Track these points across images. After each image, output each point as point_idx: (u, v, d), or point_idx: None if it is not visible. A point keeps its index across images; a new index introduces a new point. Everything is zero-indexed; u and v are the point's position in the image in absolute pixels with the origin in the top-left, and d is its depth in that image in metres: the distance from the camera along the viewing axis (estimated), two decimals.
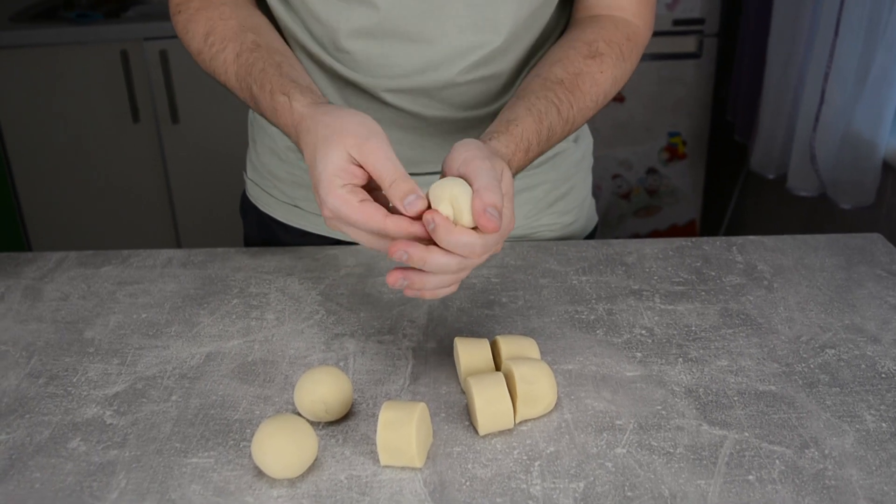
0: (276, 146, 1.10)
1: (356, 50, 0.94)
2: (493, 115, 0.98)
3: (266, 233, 1.16)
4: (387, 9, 0.91)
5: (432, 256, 0.70)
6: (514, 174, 0.81)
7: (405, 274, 0.72)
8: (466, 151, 0.73)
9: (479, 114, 0.99)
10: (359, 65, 0.96)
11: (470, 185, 0.70)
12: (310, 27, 0.96)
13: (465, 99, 0.98)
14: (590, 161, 1.19)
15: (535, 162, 1.08)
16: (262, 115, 0.88)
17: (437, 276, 0.72)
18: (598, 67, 0.91)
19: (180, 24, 0.97)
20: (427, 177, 1.04)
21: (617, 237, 2.87)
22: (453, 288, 0.74)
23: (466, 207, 0.69)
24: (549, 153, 1.09)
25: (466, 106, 0.99)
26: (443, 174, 0.75)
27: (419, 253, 0.69)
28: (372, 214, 0.71)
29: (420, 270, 0.71)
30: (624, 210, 2.88)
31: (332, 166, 0.72)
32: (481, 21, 0.93)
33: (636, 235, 2.93)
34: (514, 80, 1.00)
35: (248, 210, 1.19)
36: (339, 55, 0.96)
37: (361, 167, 0.73)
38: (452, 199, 0.70)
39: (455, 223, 0.70)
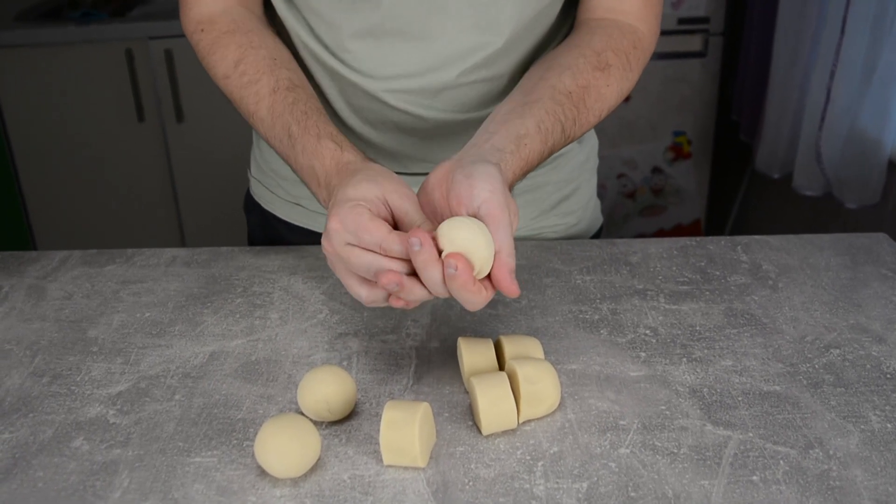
0: None
1: (358, 50, 0.94)
2: None
3: (269, 231, 1.16)
4: (389, 8, 0.91)
5: (432, 271, 0.68)
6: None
7: (400, 280, 0.69)
8: (487, 190, 0.71)
9: (480, 115, 0.99)
10: (361, 65, 0.96)
11: (494, 234, 0.69)
12: (313, 27, 0.96)
13: (466, 100, 0.98)
14: (595, 162, 1.19)
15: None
16: (285, 152, 0.87)
17: (423, 291, 0.71)
18: (605, 81, 0.90)
19: (204, 43, 0.96)
20: (425, 177, 1.04)
21: (622, 236, 2.87)
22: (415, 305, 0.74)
23: (479, 256, 0.68)
24: (554, 154, 1.08)
25: (467, 107, 0.99)
26: (453, 193, 0.73)
27: (409, 285, 0.69)
28: (378, 226, 0.70)
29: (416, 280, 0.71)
30: (629, 209, 2.87)
31: (362, 192, 0.73)
32: (483, 23, 0.92)
33: (641, 235, 2.92)
34: (515, 83, 0.99)
35: (252, 208, 1.20)
36: (342, 55, 0.96)
37: (387, 210, 0.73)
38: (467, 242, 0.68)
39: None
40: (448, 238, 0.68)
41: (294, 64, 0.95)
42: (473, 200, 0.71)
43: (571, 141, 0.89)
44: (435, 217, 0.76)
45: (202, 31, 0.97)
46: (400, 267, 0.70)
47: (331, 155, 0.82)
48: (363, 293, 0.72)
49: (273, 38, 0.97)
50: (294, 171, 0.87)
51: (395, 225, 0.74)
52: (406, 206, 0.73)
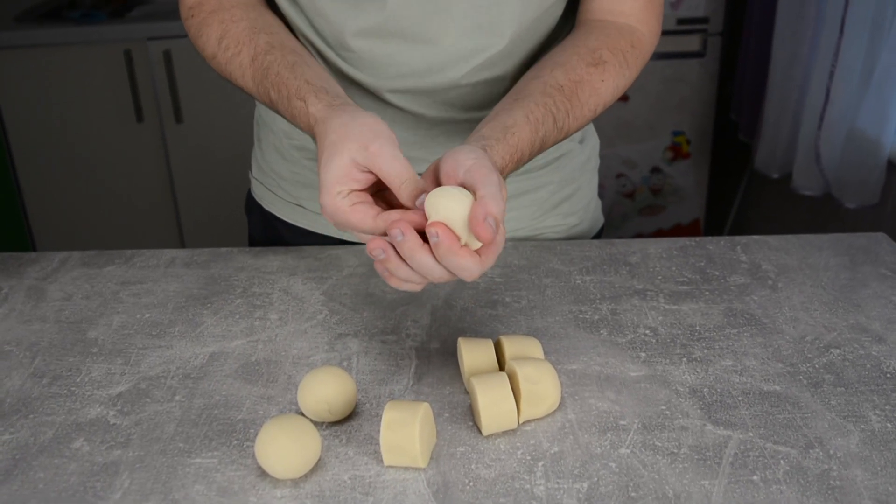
0: (281, 145, 1.10)
1: (361, 49, 0.94)
2: None
3: (270, 232, 1.16)
4: (393, 8, 0.91)
5: (420, 256, 0.68)
6: None
7: (387, 248, 0.69)
8: (470, 158, 0.71)
9: (482, 115, 0.99)
10: (363, 64, 0.96)
11: (474, 191, 0.69)
12: (316, 25, 0.96)
13: (468, 101, 0.98)
14: (595, 162, 1.19)
15: (540, 163, 1.08)
16: (284, 118, 0.89)
17: (412, 272, 0.70)
18: (600, 76, 0.90)
19: (193, 28, 0.97)
20: None
21: (621, 236, 2.87)
22: (419, 287, 0.73)
23: (462, 222, 0.67)
24: (554, 154, 1.09)
25: (470, 107, 0.99)
26: (438, 176, 0.74)
27: (395, 260, 0.70)
28: (362, 218, 0.72)
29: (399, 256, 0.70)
30: (628, 209, 2.87)
31: (332, 174, 0.73)
32: (485, 24, 0.92)
33: (640, 235, 2.92)
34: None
35: (253, 209, 1.20)
36: (345, 54, 0.96)
37: (369, 171, 0.73)
38: (449, 211, 0.67)
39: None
40: (433, 208, 0.68)
41: (277, 25, 0.94)
42: (458, 170, 0.71)
43: (567, 134, 0.89)
44: None
45: (192, 16, 0.97)
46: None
47: (301, 115, 0.83)
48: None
49: (257, 9, 0.96)
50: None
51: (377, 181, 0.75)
52: (376, 160, 0.72)
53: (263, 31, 0.92)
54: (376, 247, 0.69)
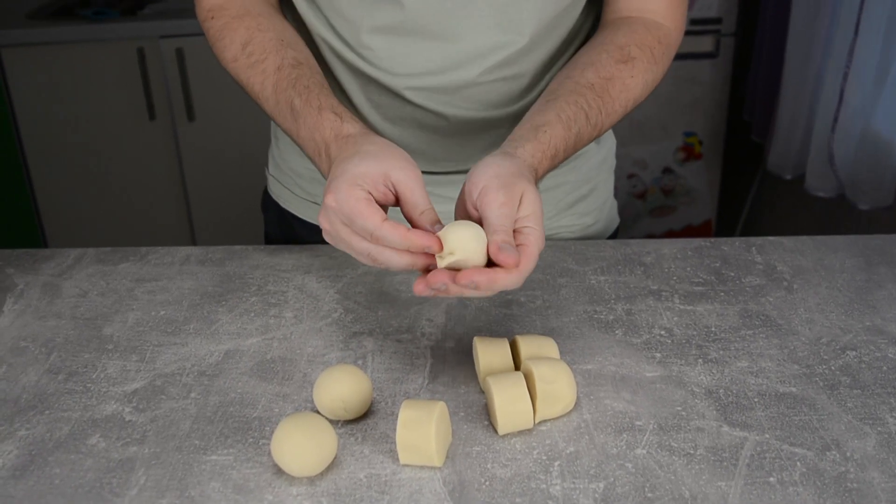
0: None
1: (379, 47, 0.94)
2: (516, 115, 0.98)
3: (286, 229, 1.16)
4: (412, 7, 0.91)
5: (468, 292, 0.71)
6: (541, 179, 0.81)
7: (447, 280, 0.70)
8: (484, 178, 0.73)
9: (501, 113, 0.99)
10: (381, 61, 0.96)
11: (483, 219, 0.72)
12: (332, 22, 0.96)
13: (487, 98, 0.98)
14: (612, 163, 1.19)
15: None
16: (290, 127, 0.88)
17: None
18: (630, 72, 0.91)
19: (214, 29, 0.97)
20: (447, 175, 1.04)
21: (632, 237, 2.86)
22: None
23: (460, 245, 0.70)
24: (579, 149, 1.09)
25: (488, 105, 0.99)
26: (466, 194, 0.76)
27: (457, 289, 0.70)
28: (372, 212, 0.71)
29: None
30: (639, 210, 2.87)
31: (361, 170, 0.73)
32: (505, 21, 0.92)
33: (651, 235, 2.92)
34: (537, 81, 1.00)
35: (269, 206, 1.20)
36: (362, 51, 0.96)
37: (391, 191, 0.74)
38: (462, 243, 0.70)
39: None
40: (444, 240, 0.71)
41: (302, 45, 0.96)
42: (473, 195, 0.74)
43: (602, 131, 0.90)
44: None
45: (212, 17, 0.98)
46: (393, 256, 0.71)
47: (330, 126, 0.82)
48: (364, 261, 0.74)
49: (282, 22, 0.97)
50: (299, 147, 0.88)
51: (397, 201, 0.75)
52: (410, 182, 0.73)
53: (290, 47, 0.93)
54: (438, 280, 0.70)
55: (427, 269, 0.73)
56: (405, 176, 0.73)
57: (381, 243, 0.71)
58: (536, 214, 0.73)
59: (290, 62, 0.90)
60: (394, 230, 0.70)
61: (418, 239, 0.70)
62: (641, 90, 0.93)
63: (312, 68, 0.91)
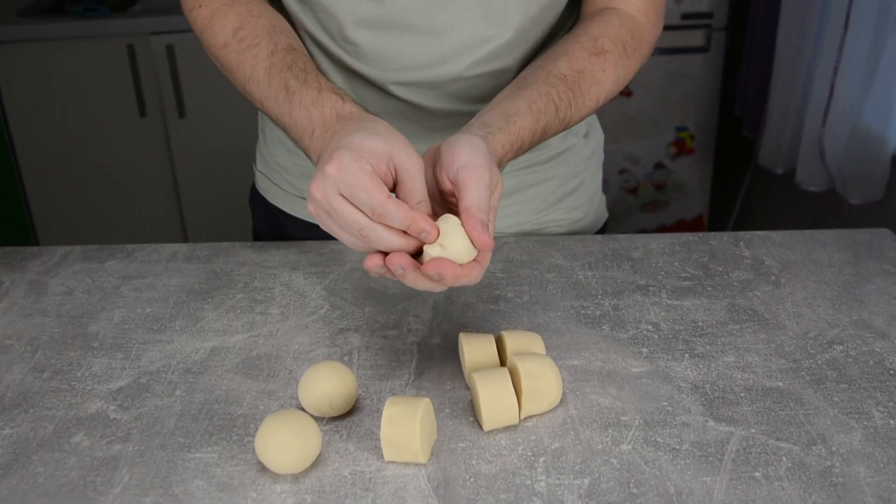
0: (286, 138, 1.09)
1: (364, 42, 0.94)
2: None
3: (274, 225, 1.16)
4: (392, 1, 0.90)
5: (422, 283, 0.71)
6: (501, 169, 0.81)
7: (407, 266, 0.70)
8: (466, 153, 0.72)
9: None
10: (367, 57, 0.95)
11: (460, 193, 0.70)
12: (318, 16, 0.96)
13: (472, 92, 0.98)
14: (600, 157, 1.19)
15: (544, 157, 1.07)
16: (279, 109, 0.86)
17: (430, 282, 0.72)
18: (601, 66, 0.90)
19: (202, 17, 0.96)
20: None
21: (624, 232, 2.86)
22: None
23: (451, 239, 0.70)
24: (559, 148, 1.08)
25: (474, 99, 0.98)
26: (435, 163, 0.75)
27: (413, 276, 0.70)
28: (378, 186, 0.69)
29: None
30: (631, 205, 2.87)
31: (369, 144, 0.71)
32: (490, 15, 0.92)
33: (643, 230, 2.92)
34: None
35: (257, 202, 1.19)
36: (347, 46, 0.96)
37: (390, 171, 0.72)
38: (452, 239, 0.69)
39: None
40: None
41: (294, 34, 0.95)
42: (453, 165, 0.72)
43: (569, 125, 0.89)
44: (429, 195, 0.76)
45: (200, 6, 0.96)
46: (386, 235, 0.69)
47: (332, 105, 0.81)
48: (347, 240, 0.72)
49: (272, 10, 0.97)
50: (285, 127, 0.86)
51: (395, 185, 0.73)
52: (413, 169, 0.72)
53: (283, 34, 0.92)
54: (396, 263, 0.69)
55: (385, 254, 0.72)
56: (409, 162, 0.72)
57: (382, 220, 0.69)
58: (495, 209, 0.73)
59: (284, 47, 0.89)
60: (399, 207, 0.68)
61: (422, 221, 0.69)
62: (612, 85, 0.92)
63: (306, 55, 0.90)
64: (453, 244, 0.69)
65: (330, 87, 0.83)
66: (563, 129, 0.89)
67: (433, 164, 0.75)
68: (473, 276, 0.70)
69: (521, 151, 0.83)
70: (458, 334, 0.83)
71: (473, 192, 0.70)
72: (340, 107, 0.80)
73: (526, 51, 0.97)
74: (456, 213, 0.71)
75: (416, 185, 0.72)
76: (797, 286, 0.96)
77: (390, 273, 0.71)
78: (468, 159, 0.71)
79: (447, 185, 0.73)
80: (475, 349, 0.79)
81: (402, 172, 0.72)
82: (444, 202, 0.76)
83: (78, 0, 2.72)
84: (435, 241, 0.70)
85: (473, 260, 0.70)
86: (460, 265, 0.69)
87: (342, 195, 0.70)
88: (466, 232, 0.69)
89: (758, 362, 0.83)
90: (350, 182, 0.69)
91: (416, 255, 0.71)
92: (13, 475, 0.71)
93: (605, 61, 0.91)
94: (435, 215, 0.73)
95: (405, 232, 0.70)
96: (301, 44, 0.93)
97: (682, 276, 0.98)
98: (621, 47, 0.92)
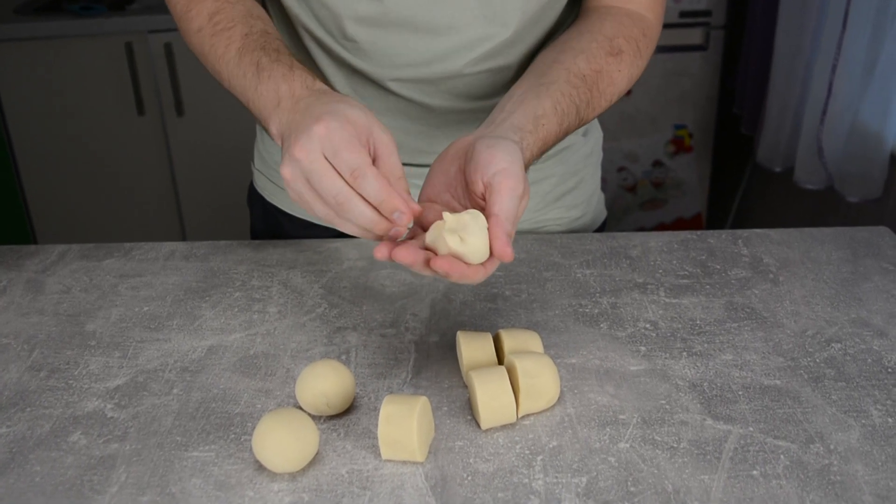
0: None
1: (363, 39, 0.94)
2: None
3: (272, 223, 1.16)
4: None
5: (426, 272, 0.71)
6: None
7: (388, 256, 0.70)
8: (504, 161, 0.72)
9: (486, 104, 0.99)
10: (366, 54, 0.95)
11: (491, 197, 0.70)
12: (317, 13, 0.96)
13: (472, 90, 0.98)
14: (599, 155, 1.19)
15: (544, 155, 1.07)
16: (245, 84, 0.85)
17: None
18: (617, 66, 0.91)
19: (181, 4, 0.96)
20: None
21: (622, 230, 2.86)
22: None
23: (475, 238, 0.69)
24: (558, 146, 1.08)
25: (473, 97, 0.98)
26: (467, 159, 0.74)
27: (420, 266, 0.70)
28: (363, 153, 0.69)
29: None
30: (629, 203, 2.87)
31: (353, 115, 0.71)
32: (490, 13, 0.92)
33: (641, 228, 2.92)
34: (522, 72, 0.99)
35: (255, 201, 1.19)
36: (346, 43, 0.96)
37: (369, 146, 0.72)
38: (475, 237, 0.69)
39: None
40: (461, 225, 0.70)
41: (269, 21, 0.94)
42: (490, 168, 0.72)
43: (583, 124, 0.90)
44: (448, 189, 0.76)
45: None
46: (360, 207, 0.69)
47: (302, 81, 0.80)
48: (319, 209, 0.71)
49: (252, 1, 0.96)
50: (248, 102, 0.85)
51: (374, 160, 0.72)
52: (391, 145, 0.72)
53: (259, 20, 0.92)
54: (408, 261, 0.69)
55: (379, 239, 0.71)
56: (387, 138, 0.72)
57: (359, 187, 0.69)
58: (519, 219, 0.73)
59: (259, 31, 0.89)
60: (378, 177, 0.68)
61: (397, 199, 0.69)
62: (626, 84, 0.93)
63: (280, 40, 0.90)
64: (473, 243, 0.69)
65: (302, 67, 0.83)
66: (579, 128, 0.90)
67: (464, 158, 0.75)
68: (477, 278, 0.70)
69: (543, 153, 0.83)
70: (456, 333, 0.83)
71: (505, 201, 0.70)
72: (311, 83, 0.80)
73: (525, 49, 0.97)
74: (477, 210, 0.71)
75: (392, 160, 0.72)
76: (795, 284, 0.96)
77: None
78: (507, 166, 0.71)
79: (479, 187, 0.73)
80: (473, 347, 0.79)
81: (381, 146, 0.72)
82: (469, 198, 0.75)
83: None
84: (407, 223, 0.70)
85: (481, 263, 0.70)
86: (467, 265, 0.69)
87: (325, 157, 0.69)
88: (490, 238, 0.69)
89: (756, 360, 0.83)
90: (336, 141, 0.69)
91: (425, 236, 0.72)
92: (10, 474, 0.71)
93: (621, 62, 0.91)
94: (451, 208, 0.74)
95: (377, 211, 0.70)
96: (276, 30, 0.93)
97: (680, 274, 0.98)
98: (635, 47, 0.93)
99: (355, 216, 0.70)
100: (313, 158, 0.69)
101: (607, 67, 0.90)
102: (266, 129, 0.82)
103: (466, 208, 0.74)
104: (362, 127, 0.71)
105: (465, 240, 0.69)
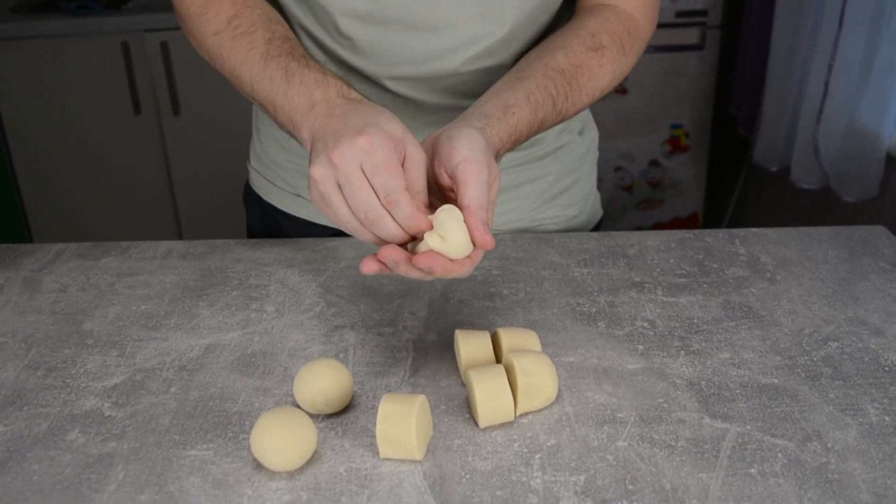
0: (280, 135, 1.09)
1: (358, 37, 0.94)
2: None
3: (268, 222, 1.16)
4: None
5: (413, 273, 0.72)
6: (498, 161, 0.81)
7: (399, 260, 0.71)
8: (465, 147, 0.72)
9: None
10: (361, 51, 0.95)
11: (459, 189, 0.71)
12: (313, 11, 0.96)
13: (467, 88, 0.98)
14: (595, 154, 1.19)
15: (539, 154, 1.07)
16: (273, 90, 0.85)
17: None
18: (598, 61, 0.91)
19: (196, 5, 0.94)
20: None
21: (619, 230, 2.86)
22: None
23: (454, 233, 0.70)
24: (554, 145, 1.08)
25: (470, 95, 0.98)
26: (433, 154, 0.75)
27: (405, 267, 0.71)
28: (401, 175, 0.69)
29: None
30: (626, 202, 2.87)
31: (392, 129, 0.71)
32: (486, 11, 0.92)
33: (638, 228, 2.92)
34: None
35: (251, 200, 1.19)
36: (342, 41, 0.96)
37: (401, 158, 0.72)
38: (455, 234, 0.70)
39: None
40: (439, 223, 0.71)
41: (288, 26, 0.94)
42: (452, 159, 0.72)
43: (565, 118, 0.90)
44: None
45: None
46: (389, 224, 0.70)
47: (337, 87, 0.80)
48: (345, 219, 0.72)
49: (266, 3, 0.96)
50: (275, 107, 0.84)
51: None
52: (418, 162, 0.72)
53: (279, 24, 0.92)
54: (390, 257, 0.70)
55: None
56: (417, 154, 0.72)
57: (389, 208, 0.70)
58: (493, 203, 0.74)
59: (281, 36, 0.89)
60: (410, 203, 0.69)
61: (424, 223, 0.70)
62: (609, 80, 0.93)
63: (302, 45, 0.90)
64: (454, 239, 0.69)
65: (334, 74, 0.83)
66: (560, 122, 0.90)
67: (431, 155, 0.76)
68: (464, 271, 0.71)
69: (517, 143, 0.83)
70: (454, 331, 0.83)
71: (472, 189, 0.70)
72: (347, 91, 0.80)
73: (521, 48, 0.97)
74: (452, 204, 0.72)
75: (418, 176, 0.72)
76: (792, 283, 0.96)
77: (384, 267, 0.71)
78: (467, 154, 0.72)
79: (445, 180, 0.74)
80: (471, 346, 0.79)
81: (409, 161, 0.72)
82: (440, 194, 0.76)
83: None
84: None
85: (466, 256, 0.71)
86: (451, 260, 0.70)
87: (363, 170, 0.69)
88: (469, 230, 0.70)
89: (753, 359, 0.83)
90: (377, 159, 0.69)
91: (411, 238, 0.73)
92: (8, 473, 0.71)
93: (602, 57, 0.91)
94: (431, 207, 0.74)
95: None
96: (295, 37, 0.93)
97: (677, 273, 0.98)
98: (619, 44, 0.93)
99: (380, 230, 0.71)
100: (352, 170, 0.69)
101: (588, 62, 0.90)
102: (293, 134, 0.82)
103: (443, 204, 0.74)
104: (399, 142, 0.72)
105: (446, 237, 0.69)
